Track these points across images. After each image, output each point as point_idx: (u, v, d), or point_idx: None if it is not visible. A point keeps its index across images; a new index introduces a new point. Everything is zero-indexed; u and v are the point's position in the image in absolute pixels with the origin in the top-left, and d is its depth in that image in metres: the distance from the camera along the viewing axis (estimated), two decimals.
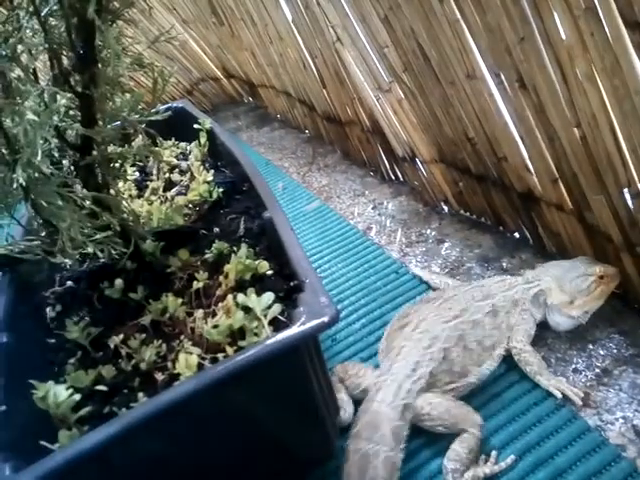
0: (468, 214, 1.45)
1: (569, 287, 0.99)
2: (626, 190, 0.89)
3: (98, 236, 0.76)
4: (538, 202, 1.14)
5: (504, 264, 1.24)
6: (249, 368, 0.58)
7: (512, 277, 1.06)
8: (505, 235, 1.34)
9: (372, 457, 0.77)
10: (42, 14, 0.58)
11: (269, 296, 0.70)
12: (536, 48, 0.86)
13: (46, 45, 0.60)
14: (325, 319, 0.59)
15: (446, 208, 1.51)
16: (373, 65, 1.37)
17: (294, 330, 0.60)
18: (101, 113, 0.77)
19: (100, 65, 0.67)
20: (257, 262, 0.80)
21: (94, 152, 0.77)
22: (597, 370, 0.94)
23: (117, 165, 0.88)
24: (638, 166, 0.84)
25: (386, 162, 1.71)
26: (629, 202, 0.89)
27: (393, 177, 1.73)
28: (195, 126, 1.33)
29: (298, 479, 0.84)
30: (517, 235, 1.31)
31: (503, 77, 1.00)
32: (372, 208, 1.63)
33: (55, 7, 0.58)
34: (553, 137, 0.96)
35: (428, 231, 1.45)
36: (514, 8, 0.85)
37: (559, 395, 0.88)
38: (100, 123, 0.78)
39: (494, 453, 0.82)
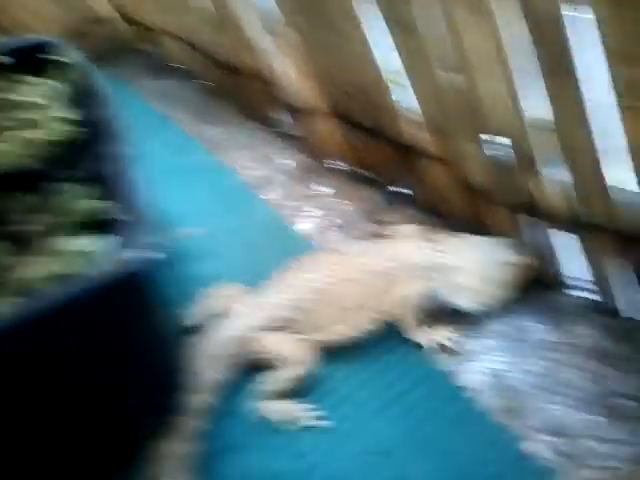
0: (360, 169, 1.42)
1: (476, 271, 0.91)
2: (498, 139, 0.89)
3: None
4: (424, 156, 1.12)
5: (389, 219, 1.23)
6: (63, 311, 0.51)
7: (427, 241, 0.99)
8: (394, 190, 1.33)
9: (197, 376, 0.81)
10: None
11: (97, 239, 0.62)
12: None
13: None
14: (149, 259, 0.52)
15: (339, 162, 1.47)
16: (261, 5, 1.28)
17: (115, 271, 0.53)
18: None
19: None
20: (97, 203, 0.71)
21: None
22: (467, 318, 0.95)
23: None
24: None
25: (281, 114, 1.63)
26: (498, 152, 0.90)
27: (288, 130, 1.66)
28: (63, 61, 1.17)
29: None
30: (404, 190, 1.31)
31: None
32: (265, 162, 1.56)
33: None
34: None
35: (320, 187, 1.41)
36: None
37: (429, 345, 0.89)
38: None
39: (308, 407, 0.82)
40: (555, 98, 0.73)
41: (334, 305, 0.89)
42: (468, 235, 1.00)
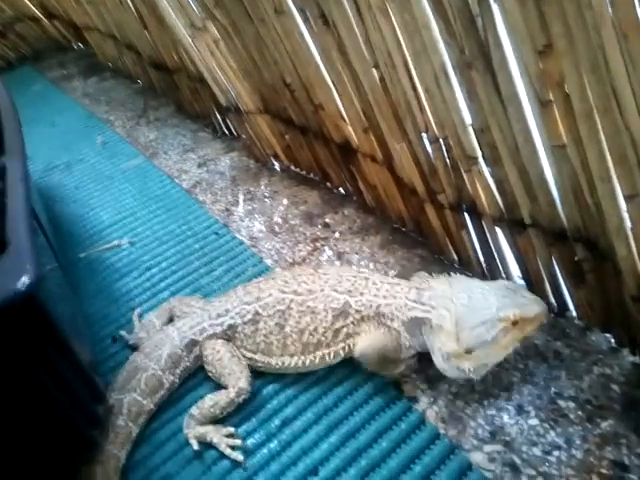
0: (298, 170, 1.37)
1: (468, 336, 0.72)
2: (425, 136, 0.86)
3: None
4: (355, 153, 1.08)
5: (327, 220, 1.19)
6: None
7: (412, 286, 0.80)
8: (331, 191, 1.28)
9: (141, 371, 0.80)
10: None
11: None
12: None
13: None
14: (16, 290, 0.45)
15: (277, 164, 1.42)
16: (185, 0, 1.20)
17: None
18: None
19: None
20: None
21: None
22: None
23: None
24: (433, 108, 0.80)
25: (217, 114, 1.56)
26: (428, 149, 0.86)
27: (226, 131, 1.59)
28: None
29: None
30: (342, 190, 1.26)
31: (308, 13, 0.91)
32: (201, 165, 1.48)
33: None
34: (357, 80, 0.90)
35: (257, 188, 1.35)
36: None
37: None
38: None
39: (232, 430, 0.76)
40: (474, 94, 0.70)
41: (288, 332, 0.80)
42: (471, 280, 0.81)
